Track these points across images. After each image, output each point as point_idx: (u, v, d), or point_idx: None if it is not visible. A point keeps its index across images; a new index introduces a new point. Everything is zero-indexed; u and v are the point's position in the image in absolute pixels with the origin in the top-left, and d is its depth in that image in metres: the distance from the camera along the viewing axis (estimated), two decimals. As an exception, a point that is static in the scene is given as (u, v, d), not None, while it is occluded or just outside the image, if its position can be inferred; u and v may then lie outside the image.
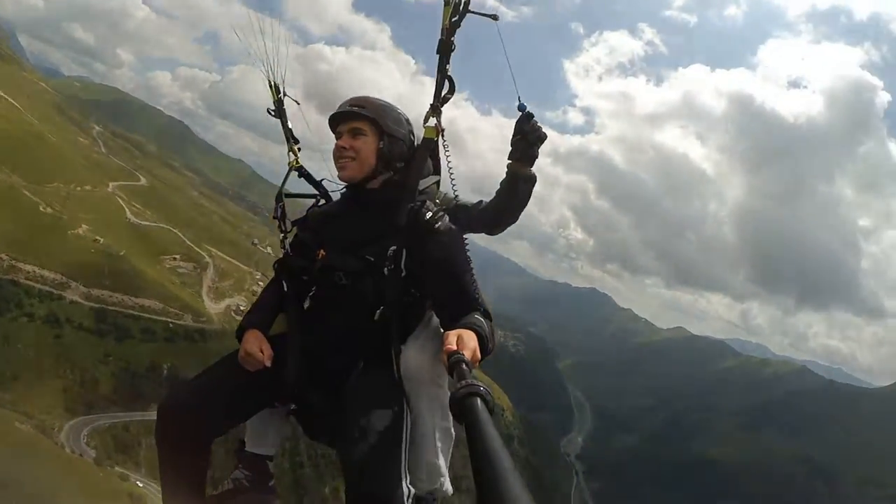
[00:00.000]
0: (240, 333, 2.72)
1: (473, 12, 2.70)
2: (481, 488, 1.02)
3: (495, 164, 3.20)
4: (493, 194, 3.19)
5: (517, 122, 2.92)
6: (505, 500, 0.95)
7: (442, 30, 2.72)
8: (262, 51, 3.39)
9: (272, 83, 3.45)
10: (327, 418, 2.62)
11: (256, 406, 2.75)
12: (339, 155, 2.76)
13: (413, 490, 2.22)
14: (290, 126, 3.47)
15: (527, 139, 2.89)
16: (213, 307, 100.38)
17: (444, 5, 2.69)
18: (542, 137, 2.92)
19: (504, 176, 3.07)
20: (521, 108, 2.89)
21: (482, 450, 1.14)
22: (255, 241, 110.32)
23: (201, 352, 77.51)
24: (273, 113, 3.47)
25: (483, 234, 3.30)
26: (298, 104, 3.55)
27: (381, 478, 2.12)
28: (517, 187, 3.02)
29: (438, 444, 2.48)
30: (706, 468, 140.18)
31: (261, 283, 62.08)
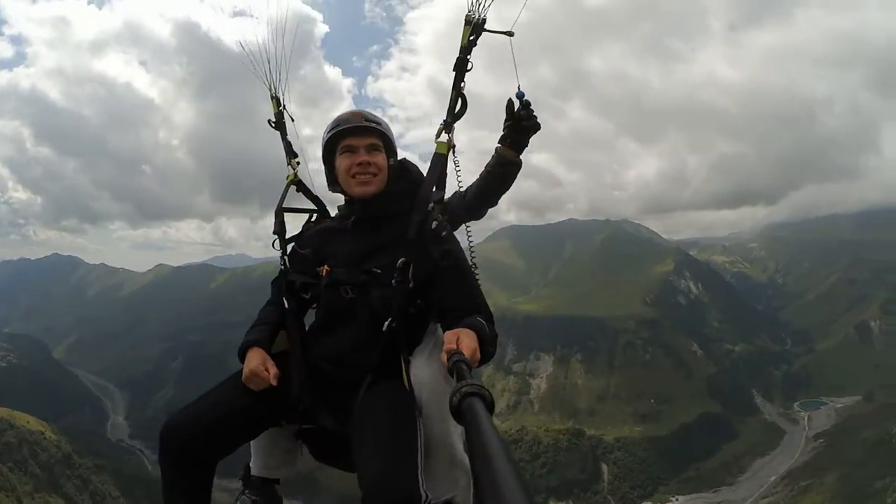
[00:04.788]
0: (242, 353, 2.70)
1: (489, 31, 2.83)
2: (481, 489, 1.00)
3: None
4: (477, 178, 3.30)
5: (514, 109, 3.00)
6: (505, 501, 0.93)
7: (460, 48, 2.81)
8: (263, 62, 3.39)
9: (273, 95, 3.44)
10: (336, 438, 2.60)
11: (261, 426, 2.73)
12: (361, 170, 2.75)
13: (430, 496, 2.21)
14: (288, 139, 3.41)
15: (521, 126, 3.02)
16: None
17: (465, 24, 2.80)
18: (537, 127, 3.04)
19: (491, 159, 3.19)
20: (520, 95, 2.95)
21: (482, 450, 1.12)
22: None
23: None
24: (273, 125, 3.43)
25: None
26: (294, 120, 3.47)
27: (398, 487, 2.10)
28: (507, 171, 3.17)
29: (454, 451, 2.51)
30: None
31: None
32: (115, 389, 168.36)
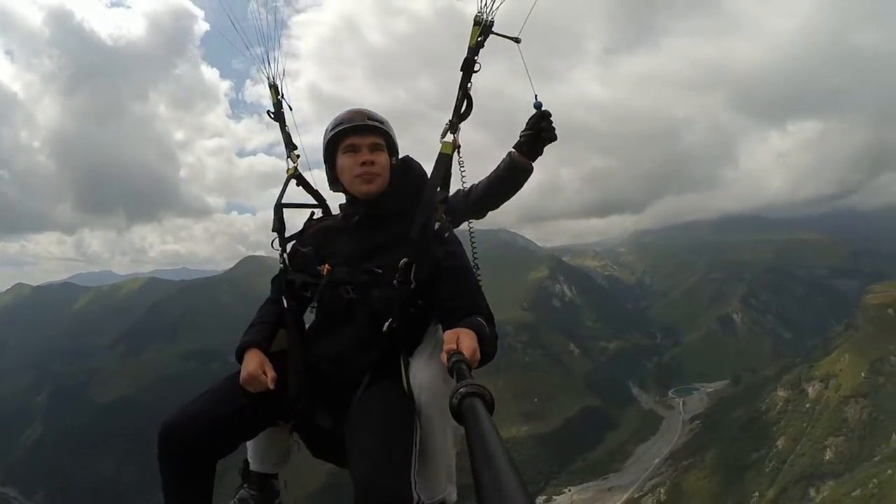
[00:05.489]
0: (240, 353, 2.66)
1: (497, 34, 2.80)
2: (482, 489, 1.00)
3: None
4: (486, 178, 3.33)
5: (532, 119, 3.03)
6: (507, 500, 0.93)
7: (468, 48, 2.79)
8: (260, 48, 3.34)
9: (272, 83, 3.36)
10: (333, 436, 2.57)
11: (259, 426, 2.73)
12: (365, 170, 2.74)
13: (421, 497, 2.22)
14: (287, 130, 3.31)
15: (539, 136, 3.05)
16: None
17: (473, 25, 2.79)
18: (554, 138, 3.05)
19: (503, 162, 3.22)
20: (538, 105, 2.98)
21: (483, 451, 1.11)
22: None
23: None
24: (272, 115, 3.33)
25: None
26: (291, 109, 3.39)
27: (389, 487, 2.10)
28: (518, 176, 3.22)
29: (451, 452, 2.48)
30: (125, 410, 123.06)
31: None
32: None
